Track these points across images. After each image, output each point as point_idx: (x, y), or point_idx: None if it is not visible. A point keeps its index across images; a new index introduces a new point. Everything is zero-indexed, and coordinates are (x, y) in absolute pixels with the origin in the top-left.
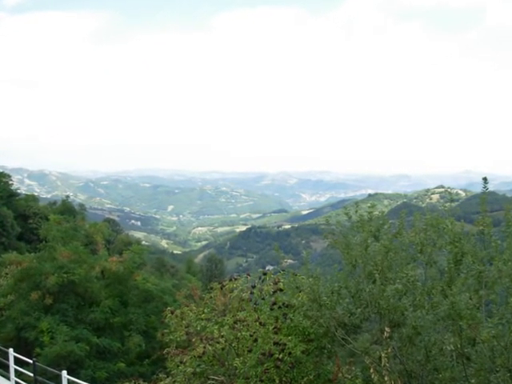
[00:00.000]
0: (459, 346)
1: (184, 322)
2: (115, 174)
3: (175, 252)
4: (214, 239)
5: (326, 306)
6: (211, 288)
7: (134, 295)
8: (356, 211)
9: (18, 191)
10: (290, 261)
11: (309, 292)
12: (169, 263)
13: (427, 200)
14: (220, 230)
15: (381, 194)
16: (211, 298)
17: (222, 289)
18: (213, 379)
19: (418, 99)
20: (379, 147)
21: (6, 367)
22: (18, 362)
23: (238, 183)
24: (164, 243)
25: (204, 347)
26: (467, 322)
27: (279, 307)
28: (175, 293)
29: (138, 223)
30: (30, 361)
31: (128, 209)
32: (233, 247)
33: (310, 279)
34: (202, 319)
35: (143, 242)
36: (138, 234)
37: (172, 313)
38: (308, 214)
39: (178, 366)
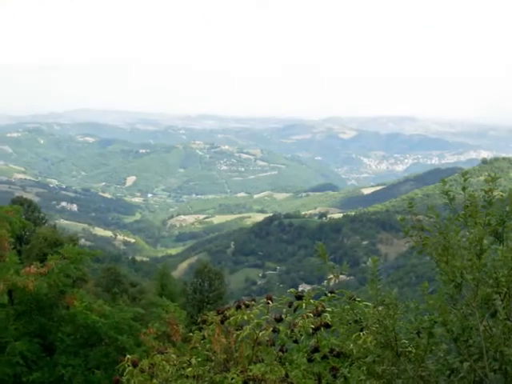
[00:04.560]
0: None
1: (156, 380)
2: (32, 120)
3: (139, 258)
4: (208, 236)
5: (408, 356)
6: (203, 322)
7: (67, 334)
8: (463, 189)
9: None
10: (342, 276)
11: (377, 330)
12: (128, 278)
13: None
14: (218, 219)
15: (506, 158)
16: (204, 338)
17: (222, 323)
18: None
19: None
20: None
21: None
22: None
23: (250, 137)
24: (119, 242)
25: None
26: None
27: (324, 357)
28: (139, 330)
29: (74, 207)
30: None
31: (56, 181)
32: (240, 250)
33: (380, 308)
34: (187, 376)
35: (82, 241)
36: (74, 226)
37: (134, 364)
38: (374, 193)
39: None
